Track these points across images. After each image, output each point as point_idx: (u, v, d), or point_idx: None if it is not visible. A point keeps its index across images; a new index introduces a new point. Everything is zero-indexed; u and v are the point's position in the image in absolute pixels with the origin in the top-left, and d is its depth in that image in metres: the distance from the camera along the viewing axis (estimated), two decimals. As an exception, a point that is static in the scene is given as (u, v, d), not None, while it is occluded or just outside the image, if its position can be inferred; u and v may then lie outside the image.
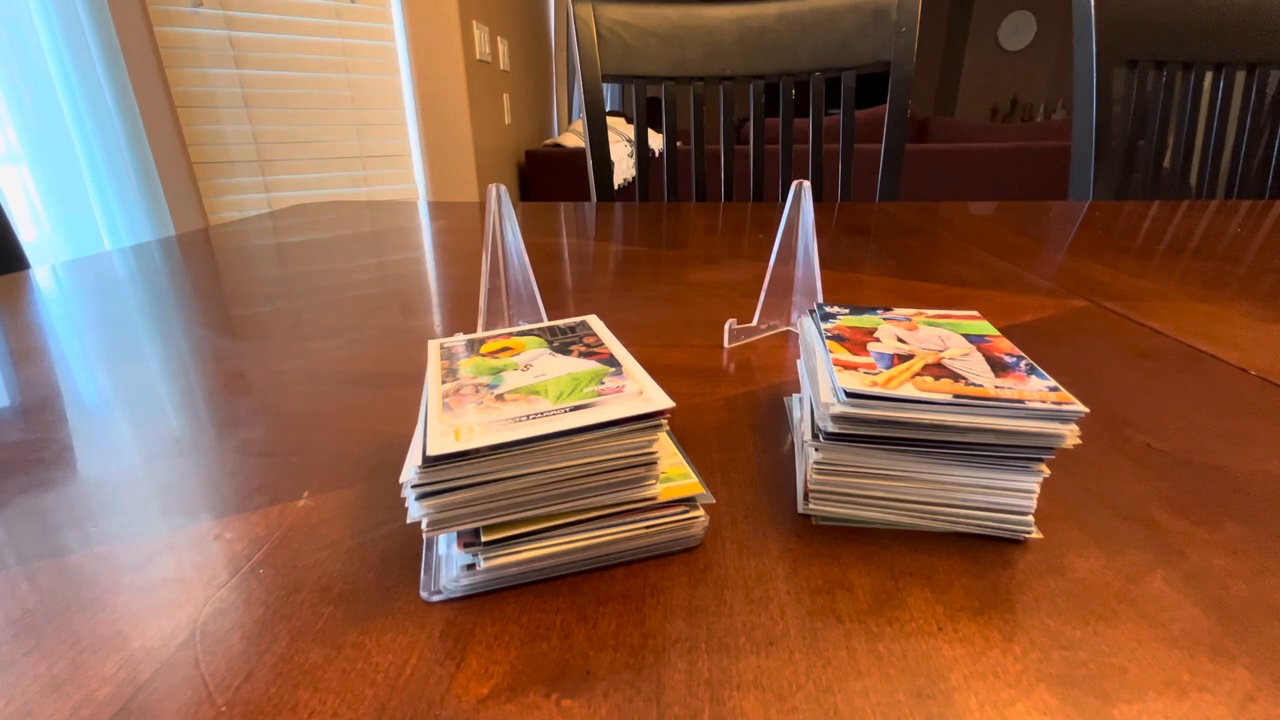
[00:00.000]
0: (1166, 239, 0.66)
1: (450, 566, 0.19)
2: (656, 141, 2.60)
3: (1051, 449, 0.19)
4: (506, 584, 0.19)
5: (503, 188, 0.34)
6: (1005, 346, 0.23)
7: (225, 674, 0.16)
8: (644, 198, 1.07)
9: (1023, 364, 0.22)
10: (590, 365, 0.22)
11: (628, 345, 0.39)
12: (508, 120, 3.02)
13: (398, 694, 0.16)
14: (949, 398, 0.19)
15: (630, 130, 3.10)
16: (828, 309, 0.28)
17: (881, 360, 0.22)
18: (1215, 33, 0.95)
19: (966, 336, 0.24)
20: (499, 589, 0.19)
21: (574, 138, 3.10)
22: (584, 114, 1.04)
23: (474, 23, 2.51)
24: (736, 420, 0.29)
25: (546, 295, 0.50)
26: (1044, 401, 0.19)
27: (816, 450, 0.21)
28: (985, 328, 0.25)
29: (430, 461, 0.17)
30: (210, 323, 0.45)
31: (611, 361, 0.22)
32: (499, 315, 0.37)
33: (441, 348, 0.25)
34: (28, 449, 0.28)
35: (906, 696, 0.15)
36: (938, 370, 0.21)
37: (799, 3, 1.00)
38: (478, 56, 2.56)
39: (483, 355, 0.24)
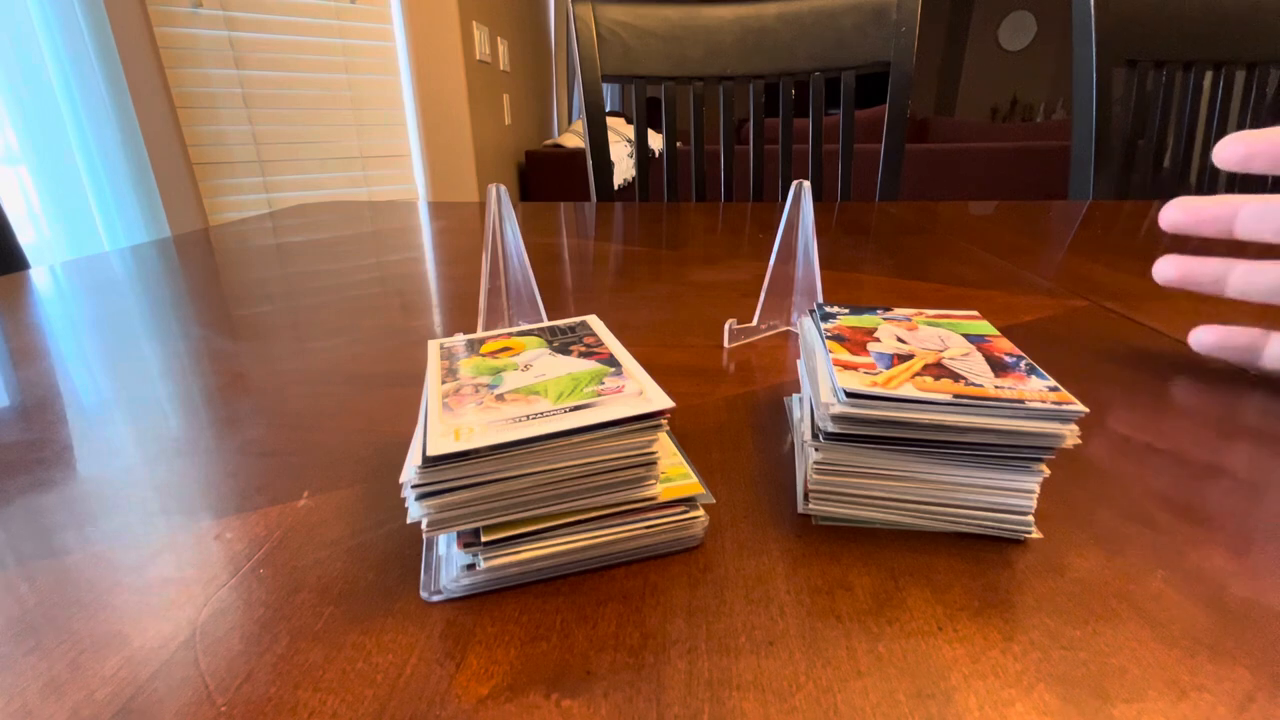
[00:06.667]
0: (1167, 239, 0.66)
1: (450, 566, 0.19)
2: (656, 141, 2.60)
3: (1051, 449, 0.19)
4: (506, 584, 0.19)
5: (502, 188, 0.34)
6: (1005, 346, 0.23)
7: (225, 674, 0.16)
8: (644, 198, 1.07)
9: (1023, 364, 0.22)
10: (590, 365, 0.22)
11: (628, 345, 0.39)
12: (508, 120, 3.02)
13: (398, 694, 0.16)
14: (949, 398, 0.19)
15: (630, 130, 3.10)
16: (828, 309, 0.28)
17: (881, 360, 0.22)
18: (1215, 33, 0.95)
19: (966, 336, 0.24)
20: (499, 589, 0.19)
21: (574, 138, 3.10)
22: (584, 114, 1.04)
23: (474, 23, 2.51)
24: (736, 420, 0.29)
25: (546, 295, 0.50)
26: (1044, 401, 0.19)
27: (816, 450, 0.21)
28: (985, 328, 0.25)
29: (430, 461, 0.17)
30: (210, 323, 0.45)
31: (611, 361, 0.22)
32: (499, 315, 0.37)
33: (441, 348, 0.25)
34: (28, 449, 0.28)
35: (906, 696, 0.15)
36: (938, 370, 0.21)
37: (799, 3, 1.00)
38: (478, 57, 2.56)
39: (483, 355, 0.24)
